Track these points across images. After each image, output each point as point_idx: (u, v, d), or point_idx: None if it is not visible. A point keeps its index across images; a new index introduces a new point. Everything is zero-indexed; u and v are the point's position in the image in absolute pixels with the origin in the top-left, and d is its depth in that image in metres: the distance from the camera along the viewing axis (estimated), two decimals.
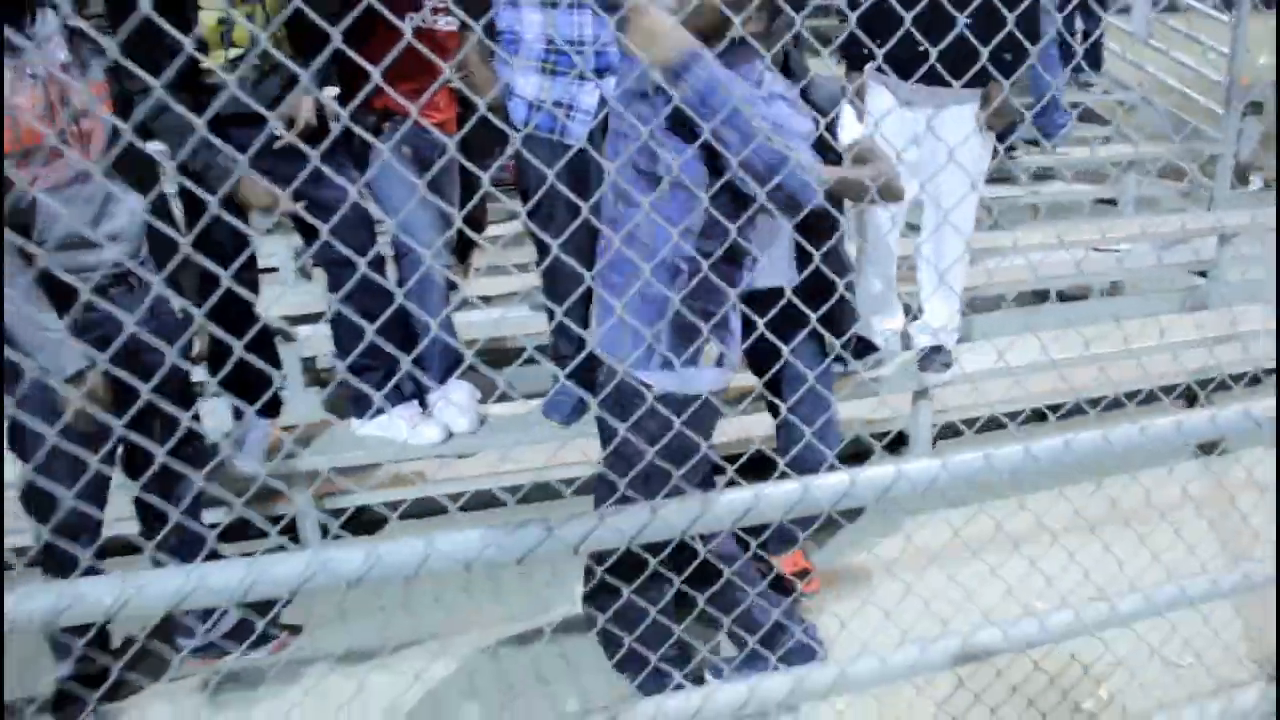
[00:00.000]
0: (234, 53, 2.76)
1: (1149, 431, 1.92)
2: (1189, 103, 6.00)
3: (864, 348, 3.78)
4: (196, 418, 2.71)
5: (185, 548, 2.57)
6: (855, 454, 3.60)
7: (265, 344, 3.31)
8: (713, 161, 2.02)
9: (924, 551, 3.31)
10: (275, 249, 4.20)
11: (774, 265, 2.81)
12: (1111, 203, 5.62)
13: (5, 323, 2.13)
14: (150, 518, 2.63)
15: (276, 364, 3.42)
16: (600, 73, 3.00)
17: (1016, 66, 3.18)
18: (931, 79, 3.17)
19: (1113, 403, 3.67)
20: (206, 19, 2.71)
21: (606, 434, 2.37)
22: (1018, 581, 2.86)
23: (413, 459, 3.31)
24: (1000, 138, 5.13)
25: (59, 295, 2.21)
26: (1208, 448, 3.79)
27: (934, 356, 3.74)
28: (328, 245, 2.90)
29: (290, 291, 4.06)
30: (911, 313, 3.84)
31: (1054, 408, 3.89)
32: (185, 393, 2.62)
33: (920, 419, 3.80)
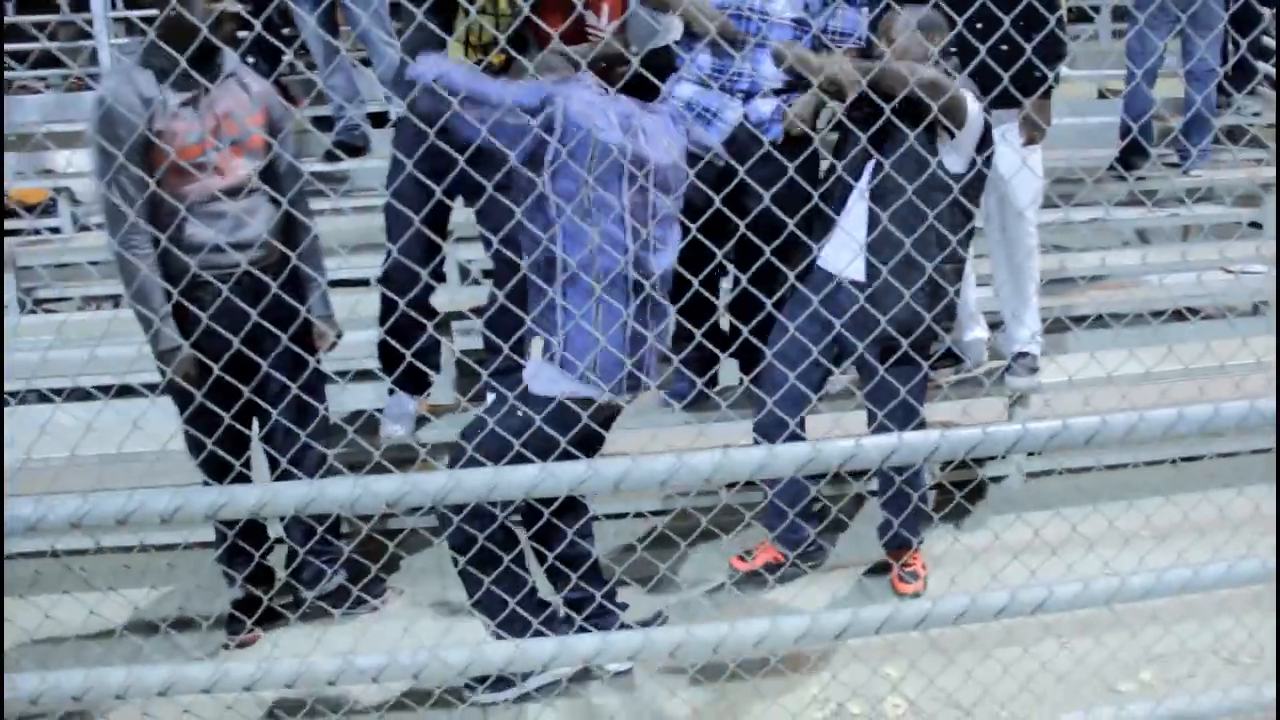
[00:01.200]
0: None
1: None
2: None
3: (950, 359, 4.03)
4: (318, 398, 3.19)
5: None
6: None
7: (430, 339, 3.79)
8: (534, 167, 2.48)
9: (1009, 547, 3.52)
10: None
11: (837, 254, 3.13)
12: (1258, 225, 5.58)
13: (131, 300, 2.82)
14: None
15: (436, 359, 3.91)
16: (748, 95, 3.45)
17: (1043, 83, 3.47)
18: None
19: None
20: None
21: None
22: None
23: None
24: (1126, 164, 5.25)
25: (192, 288, 2.84)
26: None
27: (1021, 362, 3.94)
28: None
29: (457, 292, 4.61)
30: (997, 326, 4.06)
31: None
32: (310, 377, 3.08)
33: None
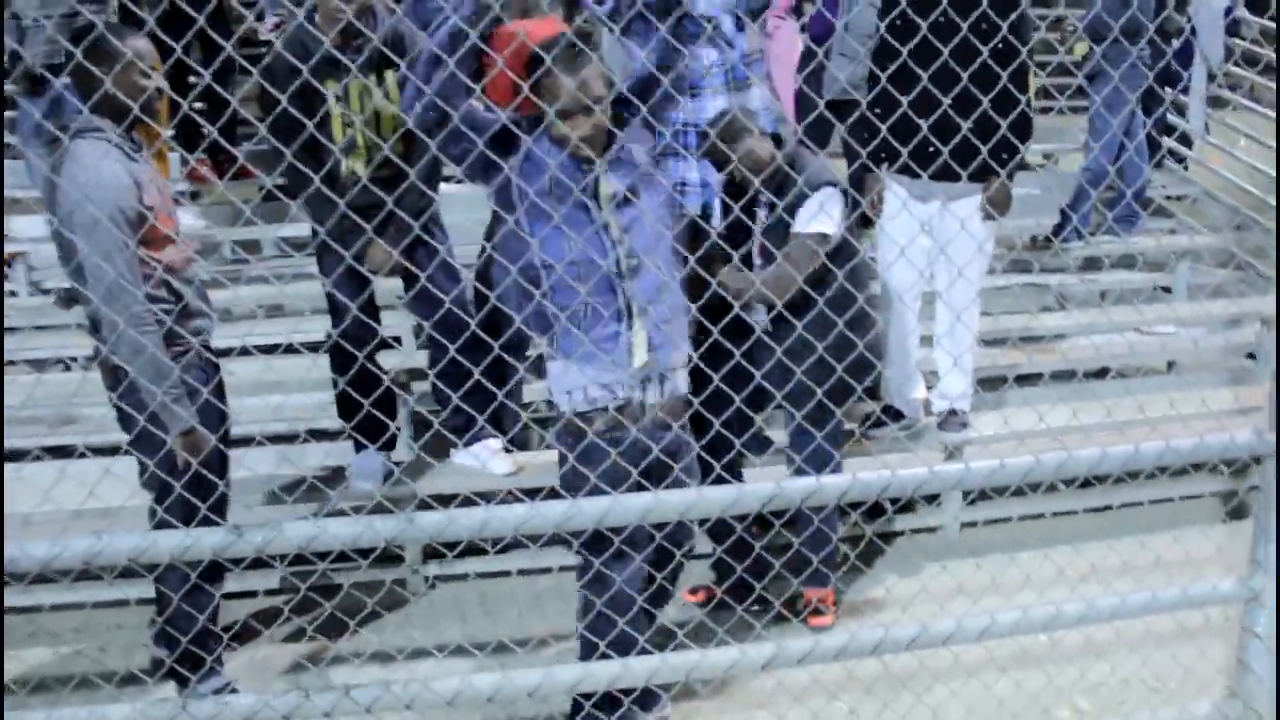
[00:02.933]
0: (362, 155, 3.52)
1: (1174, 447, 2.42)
2: (1248, 196, 6.32)
3: (893, 415, 4.27)
4: None
5: None
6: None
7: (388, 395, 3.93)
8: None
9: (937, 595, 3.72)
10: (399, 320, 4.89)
11: None
12: (1168, 290, 5.95)
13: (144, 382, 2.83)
14: None
15: (393, 412, 4.05)
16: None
17: (1012, 159, 3.70)
18: (941, 175, 3.63)
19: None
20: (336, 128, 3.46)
21: None
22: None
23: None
24: (1058, 230, 5.61)
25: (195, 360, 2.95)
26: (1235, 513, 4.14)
27: (952, 419, 4.19)
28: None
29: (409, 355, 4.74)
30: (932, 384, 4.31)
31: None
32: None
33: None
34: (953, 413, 4.20)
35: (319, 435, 4.13)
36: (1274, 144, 6.03)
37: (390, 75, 3.53)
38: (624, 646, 2.65)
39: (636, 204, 2.73)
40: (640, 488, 2.70)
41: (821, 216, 3.31)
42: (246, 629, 3.53)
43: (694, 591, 3.78)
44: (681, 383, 2.85)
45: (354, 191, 3.24)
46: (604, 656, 2.51)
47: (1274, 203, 6.00)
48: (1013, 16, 3.30)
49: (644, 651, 2.72)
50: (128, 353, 2.78)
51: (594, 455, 2.71)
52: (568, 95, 2.58)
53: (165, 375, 2.83)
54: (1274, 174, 6.14)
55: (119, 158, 2.83)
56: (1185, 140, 6.81)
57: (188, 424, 2.89)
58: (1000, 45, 2.91)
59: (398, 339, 4.94)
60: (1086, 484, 4.12)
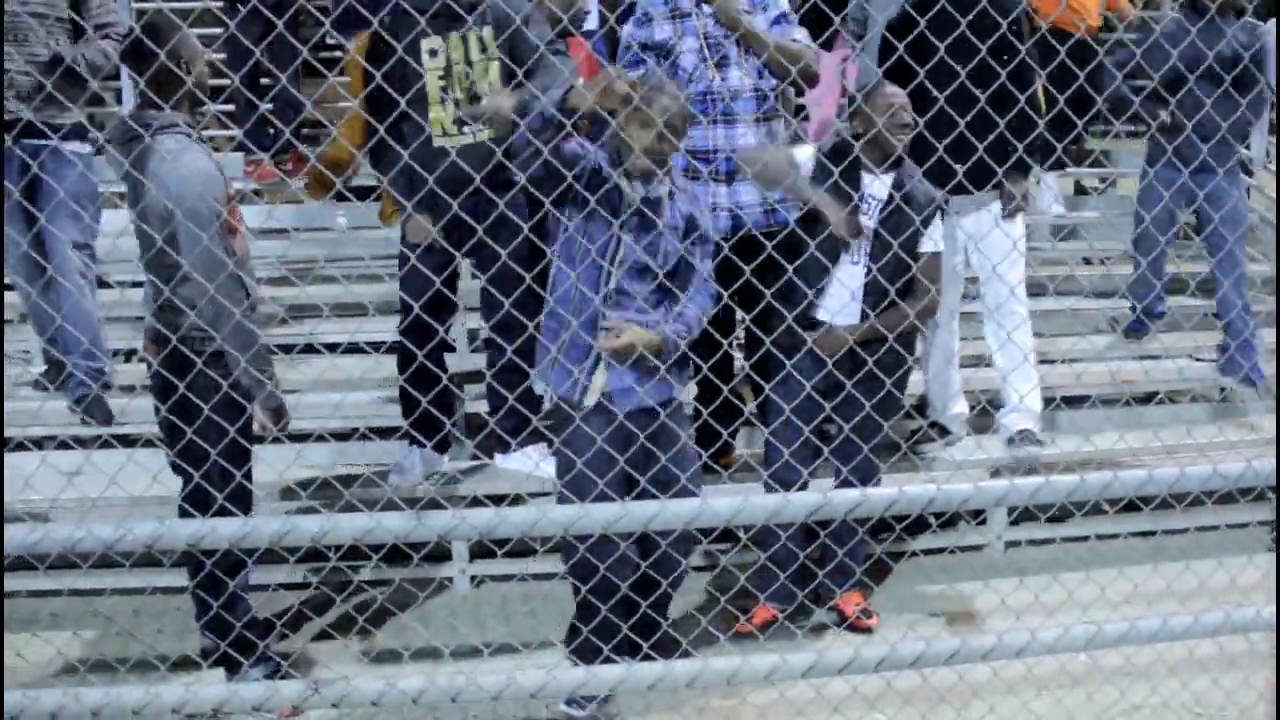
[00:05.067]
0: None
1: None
2: None
3: (940, 431, 4.29)
4: None
5: None
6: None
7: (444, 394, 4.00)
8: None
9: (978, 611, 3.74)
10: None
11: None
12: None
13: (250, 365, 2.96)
14: None
15: (450, 411, 4.12)
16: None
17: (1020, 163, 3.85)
18: (959, 188, 3.63)
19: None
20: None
21: None
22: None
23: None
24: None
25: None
26: None
27: (1025, 435, 4.17)
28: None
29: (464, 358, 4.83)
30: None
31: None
32: None
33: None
34: (1024, 431, 4.19)
35: (381, 433, 4.19)
36: None
37: (489, 32, 3.63)
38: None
39: (660, 231, 2.99)
40: (627, 479, 3.00)
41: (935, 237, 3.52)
42: (296, 618, 3.62)
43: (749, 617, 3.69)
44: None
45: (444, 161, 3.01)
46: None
47: None
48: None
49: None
50: (236, 338, 2.90)
51: (575, 442, 3.00)
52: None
53: (265, 358, 3.01)
54: None
55: (203, 151, 2.97)
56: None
57: (279, 400, 3.07)
58: (1004, 57, 3.02)
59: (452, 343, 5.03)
60: (1132, 508, 4.11)
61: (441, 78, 3.60)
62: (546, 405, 3.14)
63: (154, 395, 3.10)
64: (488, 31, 3.63)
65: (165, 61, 2.85)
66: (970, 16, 2.80)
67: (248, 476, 3.04)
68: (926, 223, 3.45)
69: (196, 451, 2.83)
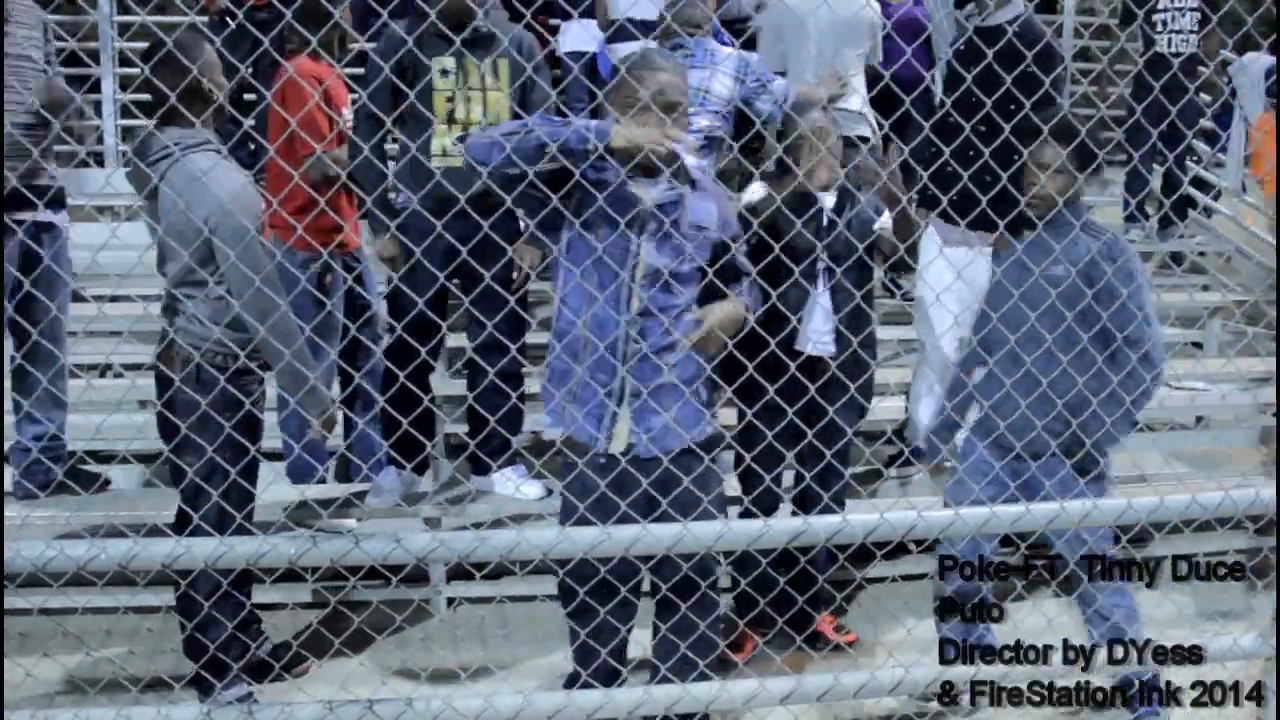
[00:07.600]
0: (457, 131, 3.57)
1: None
2: None
3: (920, 456, 4.28)
4: None
5: None
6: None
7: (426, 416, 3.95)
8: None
9: None
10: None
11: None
12: (1199, 345, 5.95)
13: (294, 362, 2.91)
14: None
15: (430, 433, 4.09)
16: None
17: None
18: (979, 223, 3.66)
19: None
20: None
21: None
22: None
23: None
24: None
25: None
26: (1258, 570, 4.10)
27: None
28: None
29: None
30: None
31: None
32: None
33: None
34: None
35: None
36: None
37: (504, 64, 3.64)
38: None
39: (677, 239, 2.57)
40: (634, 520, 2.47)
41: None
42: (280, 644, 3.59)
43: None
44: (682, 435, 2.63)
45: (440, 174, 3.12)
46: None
47: None
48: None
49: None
50: (281, 345, 2.86)
51: (582, 482, 2.59)
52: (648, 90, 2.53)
53: (308, 357, 3.01)
54: None
55: (233, 166, 3.00)
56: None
57: (327, 401, 3.15)
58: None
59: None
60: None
61: (449, 99, 3.61)
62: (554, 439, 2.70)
63: (169, 411, 2.94)
64: (504, 64, 3.65)
65: (197, 76, 2.83)
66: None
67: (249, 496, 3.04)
68: (871, 248, 3.49)
69: (210, 468, 2.80)
